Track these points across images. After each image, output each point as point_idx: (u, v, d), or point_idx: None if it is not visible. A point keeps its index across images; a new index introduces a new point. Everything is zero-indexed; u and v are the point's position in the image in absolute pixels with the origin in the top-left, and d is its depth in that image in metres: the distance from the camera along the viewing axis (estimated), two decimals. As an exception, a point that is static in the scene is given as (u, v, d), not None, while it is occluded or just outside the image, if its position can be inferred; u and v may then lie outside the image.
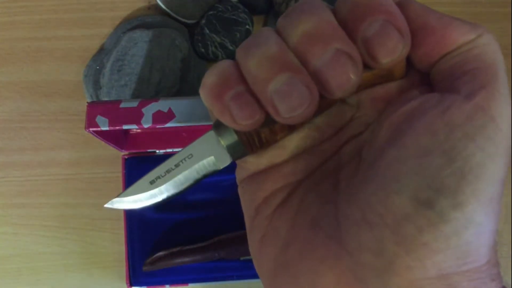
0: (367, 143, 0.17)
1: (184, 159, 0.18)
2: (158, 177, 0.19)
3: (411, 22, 0.16)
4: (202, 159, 0.18)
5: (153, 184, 0.19)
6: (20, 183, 0.49)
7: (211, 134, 0.18)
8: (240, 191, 0.21)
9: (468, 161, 0.14)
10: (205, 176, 0.19)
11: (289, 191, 0.18)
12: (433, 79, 0.17)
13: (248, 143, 0.18)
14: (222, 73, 0.17)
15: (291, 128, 0.18)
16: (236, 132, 0.17)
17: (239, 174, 0.20)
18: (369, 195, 0.15)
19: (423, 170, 0.14)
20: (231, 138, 0.17)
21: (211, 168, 0.19)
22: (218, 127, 0.18)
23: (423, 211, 0.14)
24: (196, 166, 0.18)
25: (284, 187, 0.19)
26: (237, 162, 0.20)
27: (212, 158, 0.18)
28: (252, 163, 0.19)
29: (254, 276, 0.44)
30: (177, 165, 0.19)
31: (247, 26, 0.48)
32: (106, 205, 0.21)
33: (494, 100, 0.15)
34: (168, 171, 0.19)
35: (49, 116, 0.50)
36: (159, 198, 0.19)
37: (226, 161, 0.18)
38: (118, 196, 0.20)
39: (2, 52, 0.50)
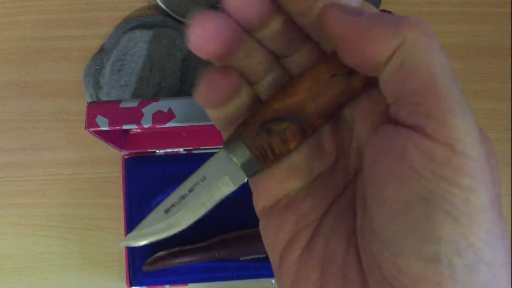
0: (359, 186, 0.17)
1: (198, 182, 0.18)
2: (173, 205, 0.18)
3: (331, 33, 0.15)
4: (216, 180, 0.18)
5: (168, 213, 0.18)
6: (20, 183, 0.49)
7: (222, 153, 0.18)
8: (261, 226, 0.19)
9: (452, 201, 0.13)
10: (222, 198, 0.18)
11: (312, 232, 0.18)
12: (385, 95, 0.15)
13: (261, 157, 0.17)
14: None
15: (302, 134, 0.17)
16: (248, 146, 0.17)
17: (258, 204, 0.19)
18: (378, 253, 0.15)
19: (413, 225, 0.13)
20: (244, 154, 0.17)
21: (226, 189, 0.18)
22: (229, 144, 0.17)
23: (434, 267, 0.13)
24: (211, 188, 0.18)
25: (306, 227, 0.18)
26: (253, 189, 0.19)
27: (226, 177, 0.18)
28: (269, 189, 0.19)
29: (254, 276, 0.44)
30: (191, 190, 0.18)
31: (247, 26, 0.48)
32: (121, 243, 0.20)
33: (445, 126, 0.13)
34: (182, 197, 0.18)
35: (49, 116, 0.50)
36: (177, 228, 0.18)
37: (241, 179, 0.17)
38: (133, 230, 0.19)
39: (2, 52, 0.50)
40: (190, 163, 0.46)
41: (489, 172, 0.14)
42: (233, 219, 0.44)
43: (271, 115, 0.17)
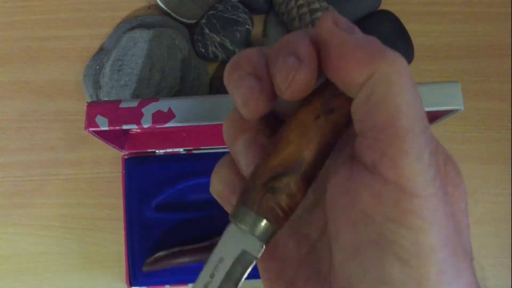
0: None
1: (216, 266, 0.17)
2: None
3: (321, 41, 0.15)
4: (234, 258, 0.17)
5: None
6: (20, 183, 0.49)
7: (232, 227, 0.17)
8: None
9: (401, 243, 0.13)
10: (246, 272, 0.17)
11: (293, 273, 0.18)
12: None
13: (272, 218, 0.16)
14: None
15: (306, 182, 0.16)
16: (257, 212, 0.16)
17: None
18: None
19: (365, 268, 0.14)
20: (254, 221, 0.16)
21: (247, 262, 0.17)
22: (236, 216, 0.17)
23: None
24: (231, 267, 0.17)
25: (288, 268, 0.18)
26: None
27: (244, 252, 0.17)
28: None
29: (254, 276, 0.44)
30: (212, 276, 0.17)
31: (247, 26, 0.48)
32: None
33: (397, 165, 0.13)
34: (206, 286, 0.17)
35: (49, 116, 0.50)
36: None
37: (258, 248, 0.17)
38: None
39: (2, 52, 0.50)
40: (190, 163, 0.46)
41: (444, 209, 0.13)
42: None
43: (270, 173, 0.16)
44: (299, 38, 0.16)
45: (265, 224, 0.16)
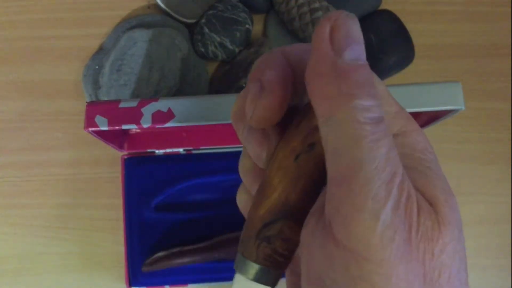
0: None
1: None
2: None
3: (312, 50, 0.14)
4: None
5: None
6: (19, 183, 0.49)
7: (238, 276, 0.17)
8: None
9: None
10: None
11: None
12: None
13: (272, 265, 0.16)
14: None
15: (299, 223, 0.16)
16: (256, 261, 0.16)
17: None
18: None
19: None
20: (256, 270, 0.17)
21: None
22: (239, 267, 0.17)
23: None
24: None
25: None
26: None
27: None
28: None
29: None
30: None
31: (247, 26, 0.48)
32: None
33: (348, 226, 0.12)
34: None
35: (48, 116, 0.49)
36: None
37: None
38: None
39: (1, 51, 0.50)
40: (190, 163, 0.46)
41: (403, 274, 0.12)
42: (233, 220, 0.44)
43: (261, 222, 0.16)
44: (270, 60, 0.15)
45: (268, 271, 0.16)
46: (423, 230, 0.13)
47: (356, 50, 0.13)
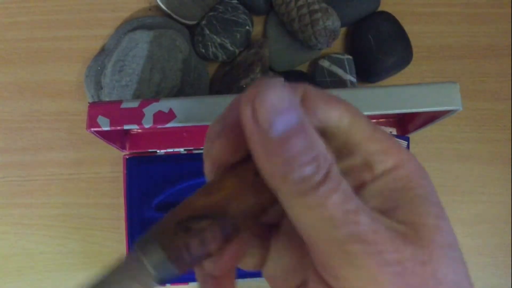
0: None
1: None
2: None
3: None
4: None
5: None
6: (21, 183, 0.49)
7: (132, 255, 0.15)
8: None
9: None
10: None
11: None
12: None
13: (176, 259, 0.15)
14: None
15: (224, 237, 0.16)
16: (163, 247, 0.15)
17: None
18: None
19: None
20: (157, 256, 0.15)
21: None
22: (141, 245, 0.15)
23: None
24: None
25: None
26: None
27: (135, 286, 0.15)
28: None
29: (254, 275, 0.44)
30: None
31: (247, 27, 0.48)
32: None
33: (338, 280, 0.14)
34: None
35: (50, 116, 0.50)
36: None
37: (150, 286, 0.15)
38: None
39: (3, 52, 0.51)
40: (191, 163, 0.47)
41: None
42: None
43: (191, 213, 0.15)
44: (225, 113, 0.16)
45: (167, 263, 0.15)
46: (414, 256, 0.14)
47: (283, 120, 0.13)
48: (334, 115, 0.16)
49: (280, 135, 0.13)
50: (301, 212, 0.14)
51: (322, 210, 0.13)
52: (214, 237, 0.15)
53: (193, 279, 0.46)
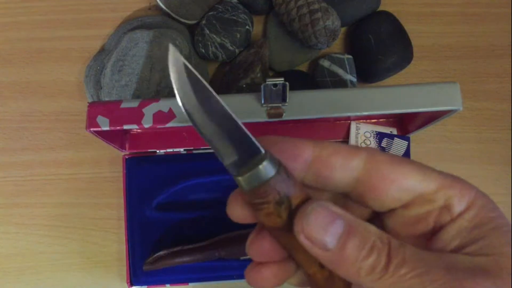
0: None
1: None
2: None
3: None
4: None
5: None
6: (21, 183, 0.49)
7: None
8: None
9: None
10: None
11: None
12: None
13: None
14: None
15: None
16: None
17: None
18: None
19: None
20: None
21: None
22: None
23: None
24: None
25: None
26: None
27: None
28: None
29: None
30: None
31: (247, 27, 0.48)
32: None
33: None
34: None
35: (50, 116, 0.50)
36: None
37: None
38: None
39: (3, 52, 0.51)
40: (190, 163, 0.47)
41: None
42: (233, 219, 0.44)
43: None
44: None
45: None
46: None
47: (332, 232, 0.16)
48: (407, 175, 0.18)
49: (337, 244, 0.16)
50: None
51: (400, 283, 0.15)
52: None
53: (193, 279, 0.46)
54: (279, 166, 0.17)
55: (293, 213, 0.17)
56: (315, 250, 0.16)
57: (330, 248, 0.16)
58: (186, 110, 0.16)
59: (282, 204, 0.16)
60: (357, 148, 0.18)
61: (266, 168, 0.16)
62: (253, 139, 0.17)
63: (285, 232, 0.17)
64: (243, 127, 0.17)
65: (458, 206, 0.17)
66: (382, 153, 0.18)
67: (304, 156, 0.18)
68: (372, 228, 0.16)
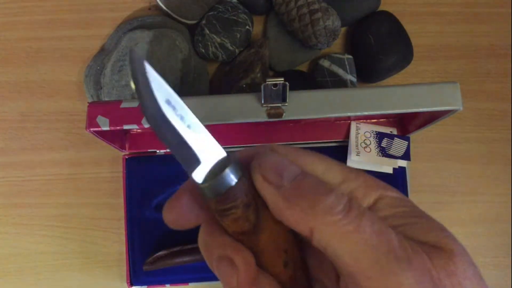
0: None
1: None
2: None
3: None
4: None
5: None
6: (21, 183, 0.49)
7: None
8: None
9: None
10: None
11: None
12: None
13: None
14: None
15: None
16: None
17: None
18: None
19: None
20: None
21: None
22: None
23: None
24: None
25: None
26: None
27: None
28: None
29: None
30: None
31: (247, 27, 0.48)
32: None
33: None
34: None
35: (49, 116, 0.50)
36: None
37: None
38: None
39: (3, 52, 0.51)
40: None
41: None
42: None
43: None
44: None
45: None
46: (441, 270, 0.15)
47: (288, 172, 0.16)
48: (309, 164, 0.17)
49: (292, 182, 0.15)
50: (338, 241, 0.15)
51: (359, 234, 0.14)
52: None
53: (193, 279, 0.46)
54: (242, 169, 0.16)
55: (260, 214, 0.16)
56: (269, 189, 0.16)
57: (286, 184, 0.15)
58: (146, 117, 0.16)
59: (250, 206, 0.16)
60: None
61: (232, 173, 0.16)
62: (214, 145, 0.16)
63: (251, 235, 0.17)
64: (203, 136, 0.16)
65: (364, 198, 0.17)
66: (284, 147, 0.18)
67: None
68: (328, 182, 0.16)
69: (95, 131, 0.35)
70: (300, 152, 0.18)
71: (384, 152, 0.44)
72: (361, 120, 0.46)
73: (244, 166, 0.17)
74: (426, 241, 0.15)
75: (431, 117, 0.39)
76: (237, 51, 0.48)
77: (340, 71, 0.48)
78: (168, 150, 0.47)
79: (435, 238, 0.15)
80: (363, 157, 0.44)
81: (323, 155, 0.18)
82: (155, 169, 0.46)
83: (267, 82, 0.33)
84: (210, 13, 0.48)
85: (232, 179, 0.16)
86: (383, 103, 0.34)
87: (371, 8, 0.50)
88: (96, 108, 0.35)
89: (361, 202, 0.16)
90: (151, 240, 0.45)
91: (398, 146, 0.45)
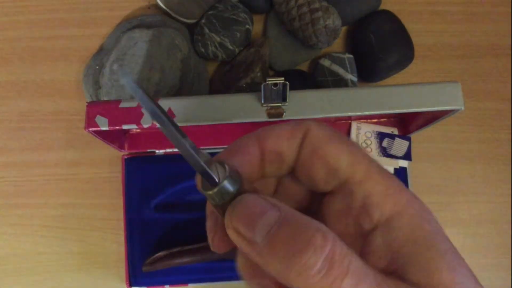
0: None
1: None
2: None
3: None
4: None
5: None
6: (20, 183, 0.49)
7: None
8: None
9: None
10: None
11: None
12: None
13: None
14: None
15: None
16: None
17: None
18: None
19: None
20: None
21: None
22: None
23: None
24: None
25: None
26: None
27: None
28: None
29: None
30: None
31: (247, 26, 0.48)
32: None
33: None
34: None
35: (48, 116, 0.50)
36: None
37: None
38: None
39: (2, 52, 0.50)
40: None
41: None
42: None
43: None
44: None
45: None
46: None
47: (262, 223, 0.14)
48: (335, 154, 0.15)
49: (265, 236, 0.13)
50: None
51: None
52: None
53: (192, 280, 0.45)
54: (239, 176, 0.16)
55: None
56: (242, 244, 0.14)
57: (257, 241, 0.14)
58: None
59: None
60: (298, 123, 0.16)
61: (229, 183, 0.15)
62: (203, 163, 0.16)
63: None
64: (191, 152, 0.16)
65: (377, 209, 0.15)
66: (320, 127, 0.16)
67: (250, 153, 0.16)
68: (313, 222, 0.13)
69: (94, 131, 0.35)
70: (327, 138, 0.16)
71: (385, 152, 0.44)
72: (362, 120, 0.46)
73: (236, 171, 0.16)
74: (426, 284, 0.14)
75: (432, 117, 0.39)
76: (237, 50, 0.48)
77: (341, 71, 0.48)
78: (167, 150, 0.47)
79: (434, 280, 0.14)
80: (364, 157, 0.44)
81: (355, 144, 0.16)
82: (154, 169, 0.46)
83: (267, 82, 0.33)
84: (210, 12, 0.48)
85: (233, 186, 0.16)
86: (384, 103, 0.34)
87: (372, 7, 0.49)
88: (95, 108, 0.35)
89: (374, 211, 0.15)
90: (151, 240, 0.45)
91: (399, 146, 0.45)
